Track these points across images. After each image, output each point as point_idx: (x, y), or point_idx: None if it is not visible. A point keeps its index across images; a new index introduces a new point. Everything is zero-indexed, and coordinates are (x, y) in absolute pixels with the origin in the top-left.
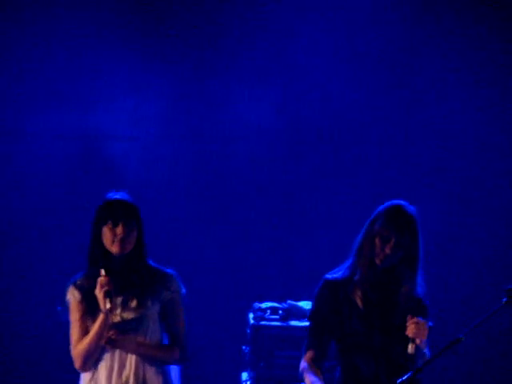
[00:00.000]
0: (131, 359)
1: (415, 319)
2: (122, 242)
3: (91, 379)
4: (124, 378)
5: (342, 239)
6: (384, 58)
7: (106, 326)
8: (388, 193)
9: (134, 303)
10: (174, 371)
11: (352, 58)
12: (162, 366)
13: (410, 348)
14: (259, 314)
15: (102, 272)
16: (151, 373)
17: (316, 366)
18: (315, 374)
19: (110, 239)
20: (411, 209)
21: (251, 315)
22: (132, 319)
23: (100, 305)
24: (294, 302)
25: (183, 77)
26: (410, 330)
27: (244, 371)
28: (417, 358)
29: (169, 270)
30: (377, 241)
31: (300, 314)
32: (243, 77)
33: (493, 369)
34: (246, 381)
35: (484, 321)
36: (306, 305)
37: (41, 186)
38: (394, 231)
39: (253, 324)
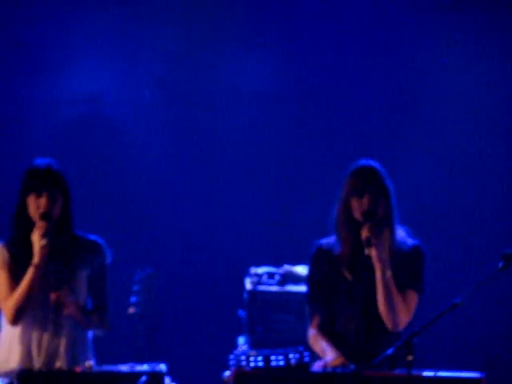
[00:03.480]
0: (67, 324)
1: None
2: (48, 211)
3: (22, 340)
4: (55, 343)
5: None
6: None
7: (38, 273)
8: (388, 155)
9: (63, 270)
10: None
11: (349, 19)
12: (87, 333)
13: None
14: (256, 278)
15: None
16: (82, 338)
17: (324, 331)
18: (324, 340)
19: (34, 210)
20: (373, 163)
21: (248, 280)
22: (62, 285)
23: (34, 247)
24: (291, 267)
25: (178, 40)
26: (364, 232)
27: (241, 336)
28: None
29: (94, 238)
30: (353, 202)
31: (297, 278)
32: (239, 38)
33: (490, 334)
34: (242, 345)
35: (481, 285)
36: (302, 269)
37: (36, 151)
38: (364, 185)
39: (249, 289)
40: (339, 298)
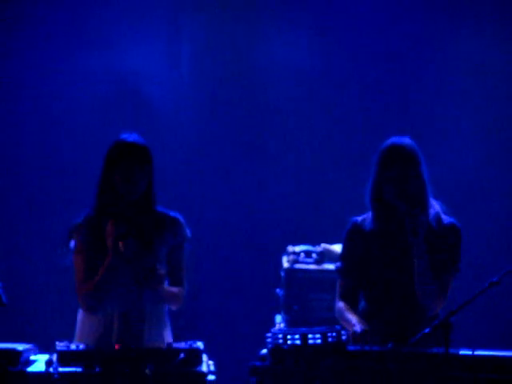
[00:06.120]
0: (149, 300)
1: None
2: (134, 186)
3: (105, 316)
4: (139, 319)
5: None
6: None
7: (114, 265)
8: (426, 131)
9: (142, 247)
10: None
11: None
12: (165, 308)
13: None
14: (293, 257)
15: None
16: (161, 313)
17: (351, 304)
18: (351, 312)
19: (121, 182)
20: (404, 141)
21: (285, 258)
22: (141, 263)
23: (108, 247)
24: (328, 245)
25: (217, 18)
26: (408, 221)
27: (278, 314)
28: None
29: (175, 215)
30: (384, 183)
31: (334, 257)
32: (275, 16)
33: None
34: (279, 323)
35: None
36: (340, 248)
37: (74, 125)
38: (393, 169)
39: (287, 267)
40: (372, 275)
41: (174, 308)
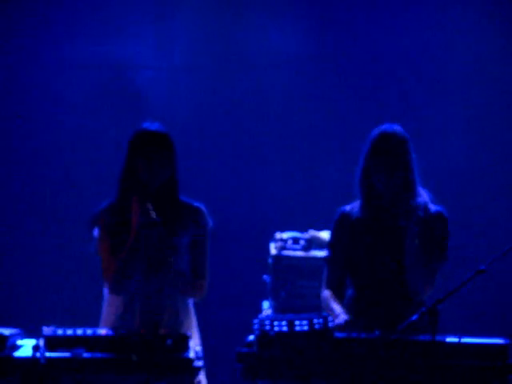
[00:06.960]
0: (169, 290)
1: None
2: (156, 174)
3: (124, 309)
4: (158, 309)
5: None
6: None
7: (135, 247)
8: (418, 118)
9: (164, 236)
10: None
11: None
12: (188, 299)
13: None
14: (281, 243)
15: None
16: (183, 304)
17: (337, 294)
18: (336, 302)
19: (144, 170)
20: (395, 129)
21: (273, 245)
22: (162, 251)
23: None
24: (316, 232)
25: (212, 5)
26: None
27: (265, 300)
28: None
29: (198, 204)
30: (373, 171)
31: (322, 243)
32: (274, 4)
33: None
34: (266, 310)
35: (508, 252)
36: (327, 235)
37: (66, 115)
38: (383, 156)
39: (274, 254)
40: (361, 262)
41: (196, 299)
